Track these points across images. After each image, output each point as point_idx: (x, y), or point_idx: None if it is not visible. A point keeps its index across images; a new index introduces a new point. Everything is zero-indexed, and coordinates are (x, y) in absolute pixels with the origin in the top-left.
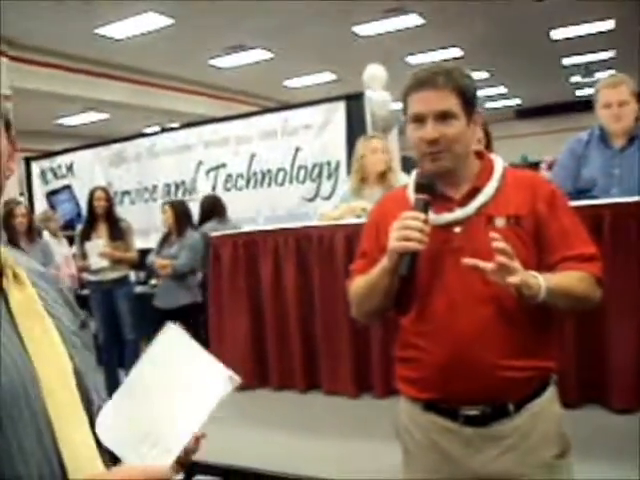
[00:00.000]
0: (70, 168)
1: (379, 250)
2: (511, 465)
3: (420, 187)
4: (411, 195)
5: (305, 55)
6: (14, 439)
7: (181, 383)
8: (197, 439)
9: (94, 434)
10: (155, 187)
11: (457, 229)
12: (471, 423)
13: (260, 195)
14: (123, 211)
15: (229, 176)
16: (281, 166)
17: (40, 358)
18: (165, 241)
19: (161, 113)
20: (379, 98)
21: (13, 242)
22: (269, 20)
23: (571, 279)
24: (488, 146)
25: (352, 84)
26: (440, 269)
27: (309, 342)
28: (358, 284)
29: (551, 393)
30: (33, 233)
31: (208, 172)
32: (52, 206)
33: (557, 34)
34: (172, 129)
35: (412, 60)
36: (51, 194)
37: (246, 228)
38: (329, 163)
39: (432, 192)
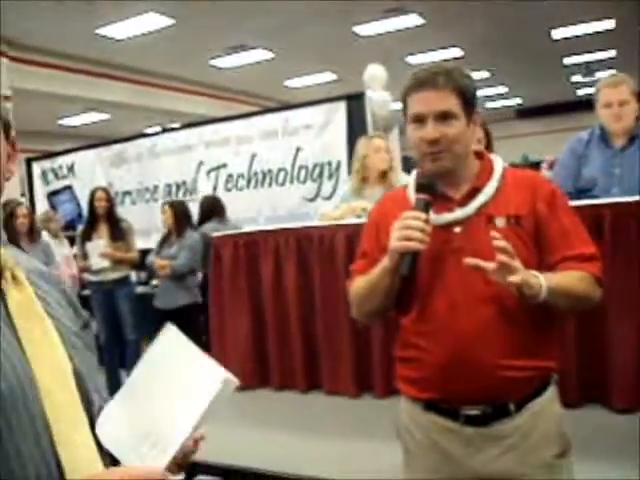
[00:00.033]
0: (71, 168)
1: (379, 250)
2: (512, 465)
3: (421, 187)
4: (411, 195)
5: (306, 55)
6: (11, 444)
7: (178, 384)
8: (196, 441)
9: (94, 435)
10: (156, 187)
11: (457, 229)
12: (472, 423)
13: (261, 195)
14: (124, 211)
15: (230, 176)
16: (282, 166)
17: (39, 360)
18: (165, 241)
19: (162, 113)
20: (379, 98)
21: (14, 243)
22: (270, 20)
23: (571, 279)
24: (488, 146)
25: (353, 84)
26: (440, 269)
27: (310, 342)
28: (358, 284)
29: (552, 393)
30: (34, 234)
31: (209, 172)
32: (53, 206)
33: (558, 34)
34: (173, 129)
35: (412, 60)
36: (52, 194)
37: (247, 228)
38: (330, 163)
39: (433, 192)
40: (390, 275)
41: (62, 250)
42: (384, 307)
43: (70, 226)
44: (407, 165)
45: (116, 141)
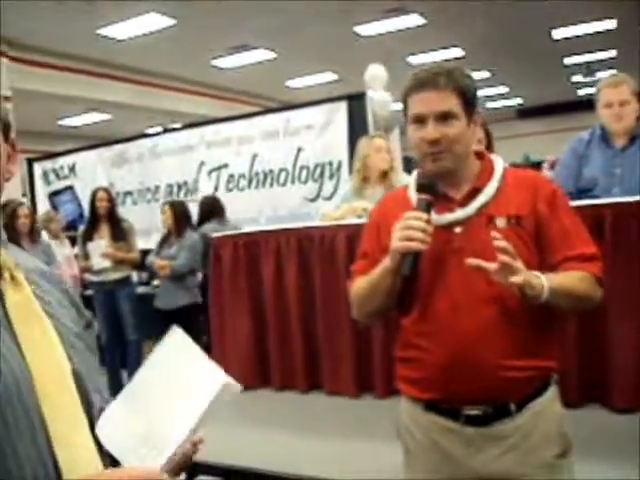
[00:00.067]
0: (72, 169)
1: (380, 250)
2: (512, 465)
3: (422, 187)
4: (412, 195)
5: (307, 55)
6: (8, 443)
7: (179, 387)
8: (195, 443)
9: (95, 436)
10: (157, 188)
11: (458, 229)
12: (472, 423)
13: (262, 195)
14: (125, 212)
15: (231, 176)
16: (283, 166)
17: (37, 360)
18: (165, 242)
19: (163, 114)
20: (380, 98)
21: (15, 243)
22: (271, 20)
23: (572, 279)
24: (489, 146)
25: (354, 84)
26: (441, 269)
27: (310, 342)
28: (359, 285)
29: (552, 393)
30: (35, 234)
31: (210, 172)
32: (54, 207)
33: (558, 34)
34: (174, 129)
35: (413, 60)
36: (53, 195)
37: (247, 228)
38: (331, 163)
39: (434, 192)
40: (391, 275)
41: (63, 250)
42: (385, 307)
43: (71, 226)
44: (408, 165)
45: (117, 141)
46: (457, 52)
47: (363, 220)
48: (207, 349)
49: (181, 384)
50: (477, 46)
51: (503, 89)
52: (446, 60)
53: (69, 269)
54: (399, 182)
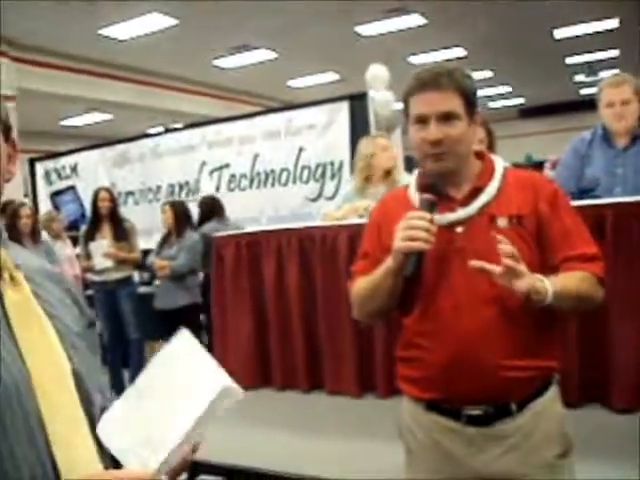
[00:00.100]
0: (74, 169)
1: (381, 250)
2: (513, 465)
3: (427, 187)
4: (412, 195)
5: (308, 55)
6: (5, 445)
7: (180, 389)
8: (193, 447)
9: (95, 436)
10: (159, 187)
11: (459, 229)
12: (474, 423)
13: (263, 195)
14: (127, 211)
15: (232, 176)
16: (284, 166)
17: (36, 360)
18: (165, 242)
19: (165, 114)
20: (382, 98)
21: (17, 243)
22: (272, 20)
23: (574, 280)
24: (491, 146)
25: (355, 84)
26: (443, 269)
27: (312, 342)
28: (360, 285)
29: (553, 393)
30: (37, 234)
31: (212, 172)
32: (56, 207)
33: (560, 33)
34: (176, 130)
35: (415, 60)
36: (55, 195)
37: (249, 228)
38: (332, 163)
39: (437, 192)
40: (394, 275)
41: (65, 250)
42: (387, 307)
43: (73, 226)
44: (409, 165)
45: (119, 141)
46: (459, 52)
47: (365, 220)
48: (208, 349)
49: (183, 386)
50: (479, 46)
51: (505, 89)
52: (448, 60)
53: (71, 269)
54: (401, 181)
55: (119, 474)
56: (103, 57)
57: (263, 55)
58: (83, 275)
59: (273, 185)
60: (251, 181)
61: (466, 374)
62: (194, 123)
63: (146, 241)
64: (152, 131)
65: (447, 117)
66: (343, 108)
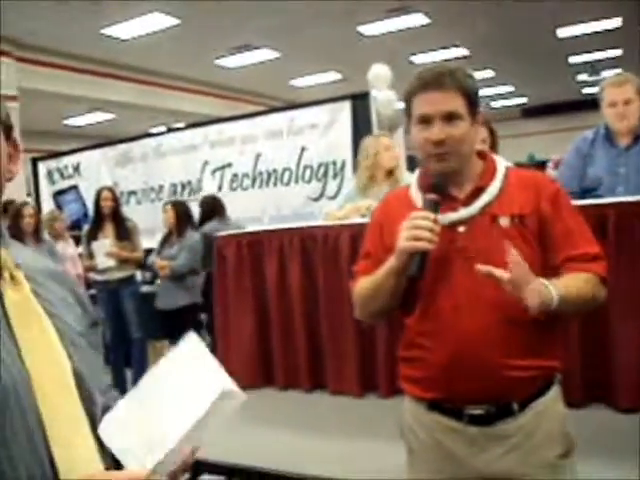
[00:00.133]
0: (77, 168)
1: (384, 250)
2: (515, 464)
3: (433, 187)
4: (414, 194)
5: (310, 55)
6: (3, 446)
7: (182, 392)
8: (192, 448)
9: (96, 435)
10: (161, 187)
11: (461, 228)
12: (475, 422)
13: (265, 195)
14: (129, 211)
15: (235, 176)
16: (287, 166)
17: (36, 360)
18: (166, 241)
19: (167, 113)
20: (384, 97)
21: (20, 242)
22: (274, 20)
23: (577, 281)
24: (493, 145)
25: (357, 83)
26: (444, 268)
27: (314, 341)
28: (362, 285)
29: (555, 392)
30: (40, 234)
31: (214, 172)
32: (59, 206)
33: (563, 32)
34: (178, 129)
35: (417, 59)
36: (58, 194)
37: (251, 228)
38: (335, 163)
39: (440, 192)
40: (396, 275)
41: (67, 250)
42: (389, 307)
43: (76, 226)
44: (412, 165)
45: (121, 141)
46: (461, 51)
47: (367, 219)
48: (209, 348)
49: (185, 388)
50: (481, 45)
51: (507, 88)
52: (450, 59)
53: (73, 268)
54: (404, 181)
55: (118, 475)
56: (105, 57)
57: (265, 55)
58: (85, 274)
59: (275, 185)
60: (253, 181)
61: (467, 374)
62: (196, 123)
63: (149, 240)
64: (154, 131)
65: (450, 117)
66: (345, 108)
